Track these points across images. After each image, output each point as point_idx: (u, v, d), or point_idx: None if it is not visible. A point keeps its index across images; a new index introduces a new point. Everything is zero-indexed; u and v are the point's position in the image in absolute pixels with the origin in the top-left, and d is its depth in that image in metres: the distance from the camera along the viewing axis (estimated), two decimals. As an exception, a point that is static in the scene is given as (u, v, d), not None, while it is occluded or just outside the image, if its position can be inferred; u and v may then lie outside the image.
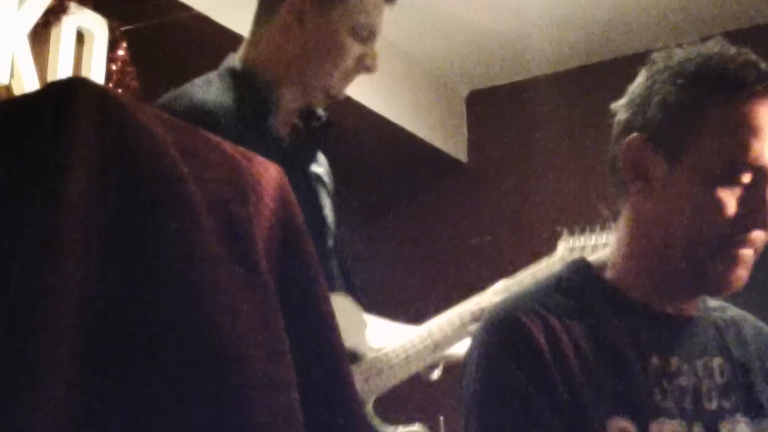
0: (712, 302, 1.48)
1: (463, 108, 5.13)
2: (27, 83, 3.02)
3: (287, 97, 1.88)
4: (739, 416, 1.37)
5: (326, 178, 2.00)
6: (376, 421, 1.94)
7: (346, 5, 1.85)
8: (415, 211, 5.08)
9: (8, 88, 2.97)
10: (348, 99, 4.10)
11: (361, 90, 4.03)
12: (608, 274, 1.42)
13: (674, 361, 1.37)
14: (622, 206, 1.42)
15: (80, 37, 3.21)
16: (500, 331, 1.35)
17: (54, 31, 3.14)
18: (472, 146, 5.10)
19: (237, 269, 0.86)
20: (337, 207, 1.98)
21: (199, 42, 3.56)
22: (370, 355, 1.95)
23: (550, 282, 1.43)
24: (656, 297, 1.40)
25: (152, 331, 0.79)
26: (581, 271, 1.44)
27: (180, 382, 0.79)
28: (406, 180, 5.01)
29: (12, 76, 2.98)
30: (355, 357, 1.92)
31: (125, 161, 0.81)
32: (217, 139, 0.95)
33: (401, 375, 1.98)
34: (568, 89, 4.82)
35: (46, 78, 3.09)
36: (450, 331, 2.02)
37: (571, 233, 2.22)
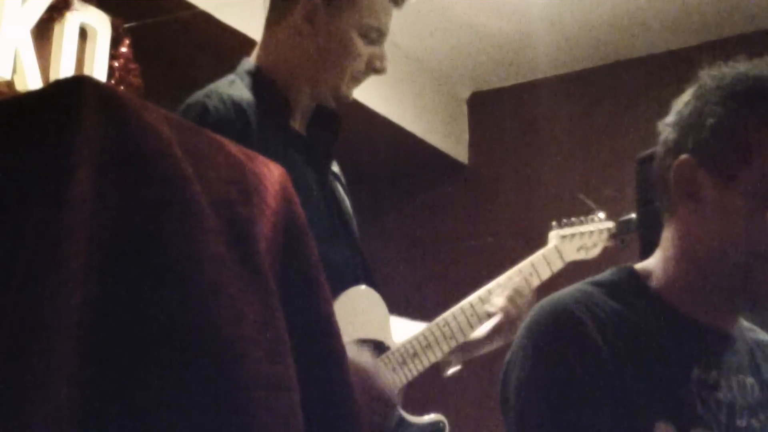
0: (744, 323, 1.50)
1: (465, 109, 5.14)
2: (29, 79, 3.02)
3: (301, 97, 1.93)
4: None
5: (341, 175, 2.05)
6: (402, 412, 1.98)
7: (356, 8, 1.89)
8: (416, 213, 5.08)
9: (10, 83, 2.98)
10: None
11: (363, 91, 4.02)
12: (653, 284, 1.44)
13: (714, 375, 1.39)
14: (668, 222, 1.44)
15: (83, 34, 3.22)
16: (554, 323, 1.36)
17: (57, 28, 3.14)
18: (473, 148, 5.10)
19: (239, 269, 0.86)
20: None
21: (202, 40, 3.56)
22: (394, 347, 2.00)
23: (597, 284, 1.44)
24: (700, 311, 1.41)
25: (154, 330, 0.79)
26: (628, 277, 1.45)
27: (181, 382, 0.79)
28: (407, 181, 5.01)
29: (15, 71, 2.99)
30: (381, 348, 1.96)
31: (129, 161, 0.81)
32: (221, 139, 0.95)
33: (424, 364, 2.04)
34: (569, 91, 4.82)
35: (48, 74, 3.10)
36: (463, 319, 2.09)
37: (560, 225, 2.35)
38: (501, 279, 2.18)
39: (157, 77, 3.35)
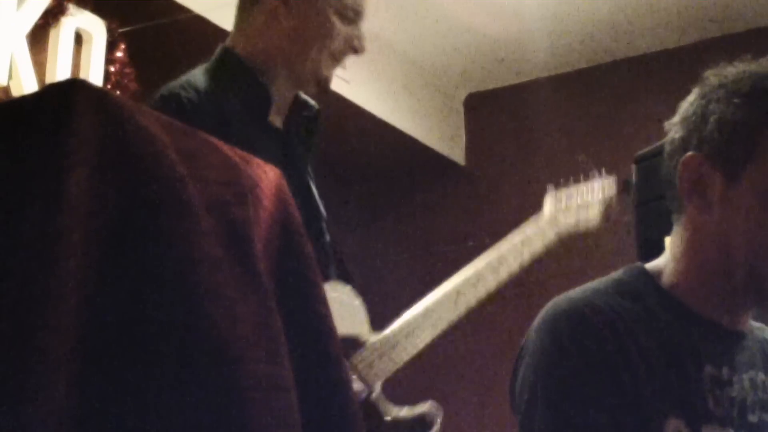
0: (755, 323, 1.51)
1: (461, 111, 5.14)
2: (26, 84, 3.02)
3: (280, 85, 1.89)
4: None
5: (311, 169, 2.01)
6: (384, 404, 1.95)
7: None
8: (413, 214, 5.08)
9: (6, 89, 2.98)
10: (346, 101, 4.12)
11: (359, 92, 4.03)
12: (664, 282, 1.44)
13: (726, 372, 1.39)
14: (677, 221, 1.45)
15: (79, 39, 3.22)
16: (565, 322, 1.37)
17: (53, 33, 3.14)
18: (470, 149, 5.10)
19: (235, 271, 0.86)
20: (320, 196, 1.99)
21: (198, 43, 3.55)
22: (372, 340, 1.96)
23: (609, 283, 1.45)
24: (711, 308, 1.42)
25: (151, 331, 0.79)
26: (639, 276, 1.46)
27: (178, 383, 0.79)
28: (404, 182, 5.01)
29: (11, 77, 2.99)
30: (356, 343, 1.93)
31: (124, 163, 0.81)
32: (216, 140, 0.96)
33: (405, 355, 1.99)
34: (566, 92, 4.83)
35: (44, 79, 3.10)
36: (446, 304, 2.05)
37: (556, 187, 2.25)
38: (481, 259, 2.13)
39: (153, 81, 3.34)
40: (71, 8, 3.16)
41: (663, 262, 1.47)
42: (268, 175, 0.99)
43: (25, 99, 1.15)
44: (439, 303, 2.06)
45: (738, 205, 1.37)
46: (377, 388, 1.95)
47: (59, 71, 3.11)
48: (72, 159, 0.77)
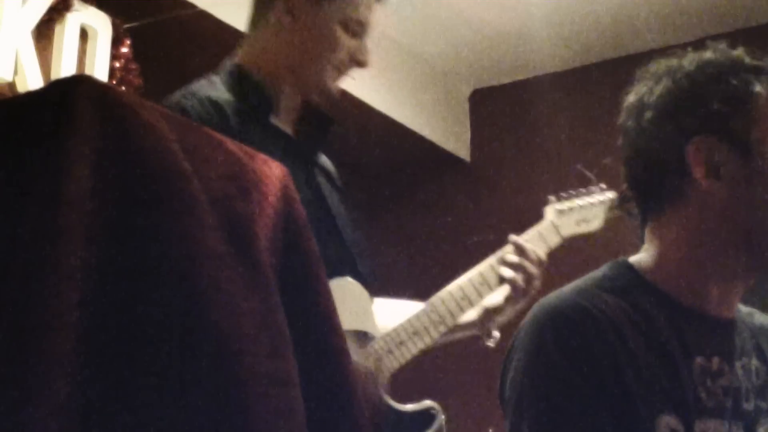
0: (743, 308, 1.50)
1: (466, 106, 5.13)
2: (30, 80, 3.02)
3: (285, 94, 1.93)
4: None
5: (333, 173, 2.04)
6: (390, 401, 1.96)
7: (337, 0, 1.90)
8: (418, 210, 5.08)
9: (12, 84, 2.98)
10: (351, 97, 4.11)
11: (364, 88, 4.03)
12: (649, 276, 1.44)
13: (716, 362, 1.39)
14: (666, 212, 1.43)
15: (84, 34, 3.22)
16: (550, 326, 1.37)
17: (57, 28, 3.14)
18: (475, 144, 5.09)
19: (239, 267, 0.86)
20: (345, 201, 2.01)
21: (202, 39, 3.56)
22: (380, 335, 1.97)
23: (594, 281, 1.44)
24: (699, 299, 1.42)
25: (154, 329, 0.79)
26: (625, 271, 1.45)
27: (182, 379, 0.79)
28: (408, 178, 5.01)
29: (16, 72, 2.99)
30: (365, 338, 1.94)
31: (128, 158, 0.81)
32: (220, 136, 0.96)
33: (412, 352, 2.00)
34: (571, 88, 4.81)
35: (49, 75, 3.10)
36: (454, 303, 2.05)
37: (558, 199, 2.26)
38: (492, 259, 2.14)
39: (158, 77, 3.35)
40: (76, 4, 3.16)
41: (648, 255, 1.46)
42: (272, 171, 0.99)
43: (29, 95, 1.15)
44: (444, 302, 2.06)
45: (756, 175, 1.37)
46: (384, 383, 1.95)
47: (64, 67, 3.12)
48: (73, 155, 0.76)
